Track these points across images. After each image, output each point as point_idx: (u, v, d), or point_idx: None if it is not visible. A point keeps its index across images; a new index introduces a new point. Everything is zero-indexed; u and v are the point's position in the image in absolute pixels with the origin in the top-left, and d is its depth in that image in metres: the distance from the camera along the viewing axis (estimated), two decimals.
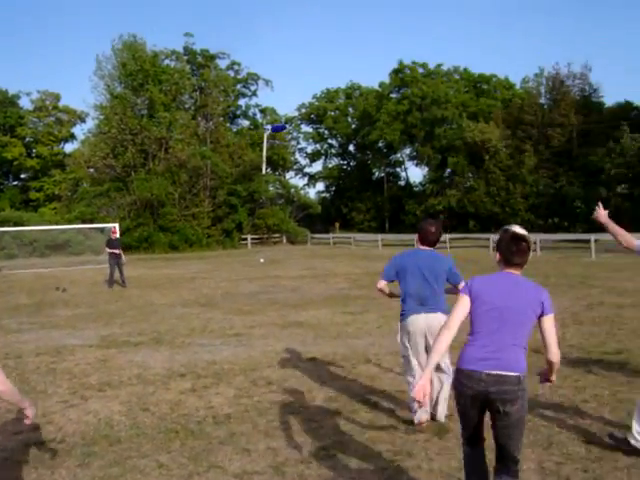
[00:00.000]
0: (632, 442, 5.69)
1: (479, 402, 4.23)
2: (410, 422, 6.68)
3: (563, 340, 10.40)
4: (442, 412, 6.77)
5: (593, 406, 7.01)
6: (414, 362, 6.71)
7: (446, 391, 6.66)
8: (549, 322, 4.24)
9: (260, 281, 23.63)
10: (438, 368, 6.46)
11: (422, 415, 6.53)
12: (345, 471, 5.50)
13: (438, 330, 4.51)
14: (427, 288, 6.78)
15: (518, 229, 4.49)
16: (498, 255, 4.49)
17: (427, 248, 7.02)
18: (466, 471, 4.56)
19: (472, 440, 4.47)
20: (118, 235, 25.39)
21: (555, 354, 4.26)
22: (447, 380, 6.55)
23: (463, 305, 4.33)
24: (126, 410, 7.54)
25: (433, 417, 6.73)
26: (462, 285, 5.39)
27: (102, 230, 42.07)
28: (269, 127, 42.35)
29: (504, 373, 4.12)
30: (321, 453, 5.93)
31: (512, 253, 4.39)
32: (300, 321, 14.02)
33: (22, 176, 74.53)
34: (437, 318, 6.44)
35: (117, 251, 23.09)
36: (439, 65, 76.40)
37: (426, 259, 6.91)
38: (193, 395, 8.12)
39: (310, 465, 5.65)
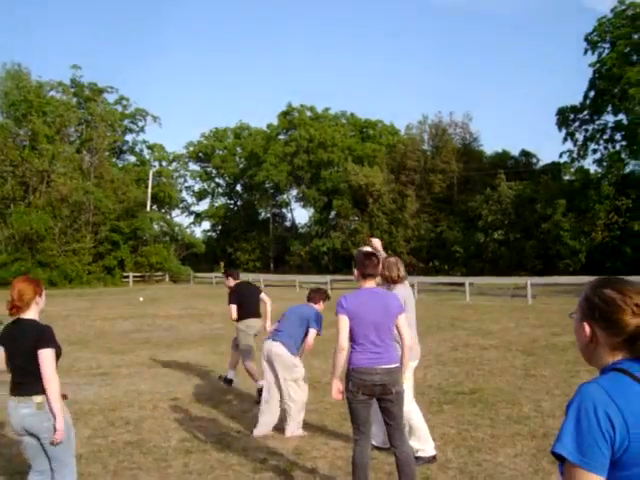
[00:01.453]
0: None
1: None
2: (260, 461, 6.84)
3: (424, 380, 10.78)
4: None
5: (439, 444, 7.30)
6: None
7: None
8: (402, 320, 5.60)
9: (136, 319, 23.39)
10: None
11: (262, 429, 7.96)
12: None
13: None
14: None
15: (368, 248, 6.22)
16: (356, 272, 5.67)
17: None
18: None
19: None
20: None
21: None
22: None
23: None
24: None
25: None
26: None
27: None
28: None
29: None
30: None
31: (366, 266, 5.58)
32: (169, 361, 14.00)
33: None
34: None
35: None
36: (327, 109, 77.66)
37: None
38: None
39: None
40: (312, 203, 73.46)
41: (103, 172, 57.83)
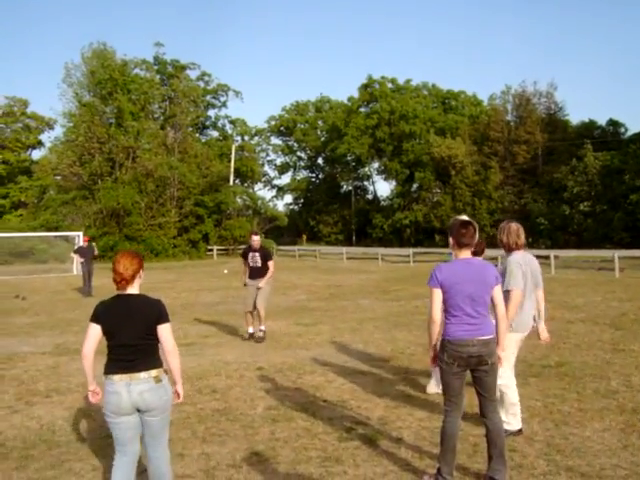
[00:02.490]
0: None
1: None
2: (345, 430, 6.90)
3: None
4: None
5: (524, 417, 7.23)
6: None
7: None
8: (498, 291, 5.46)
9: (221, 292, 23.75)
10: None
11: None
12: (273, 475, 5.70)
13: None
14: None
15: (465, 217, 5.74)
16: (451, 240, 5.50)
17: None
18: None
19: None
20: (87, 243, 25.25)
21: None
22: None
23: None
24: (69, 416, 7.70)
25: None
26: None
27: (67, 238, 41.94)
28: None
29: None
30: (253, 458, 6.13)
31: (462, 235, 5.40)
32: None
33: None
34: None
35: (82, 259, 23.26)
36: (408, 80, 77.10)
37: None
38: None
39: (240, 470, 5.85)
40: (394, 176, 73.19)
41: (187, 147, 58.74)
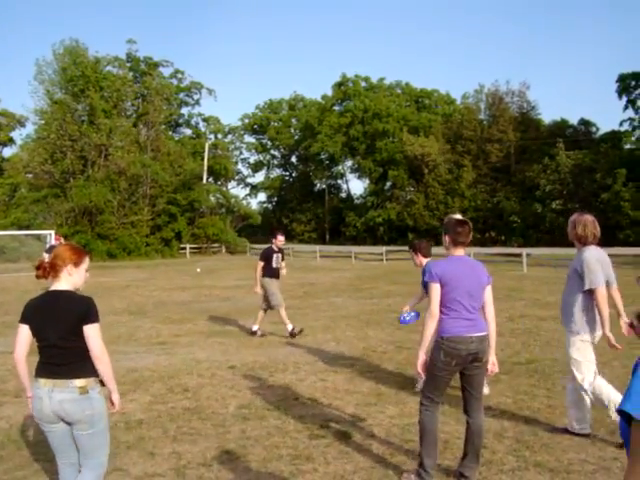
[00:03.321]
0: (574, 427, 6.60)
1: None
2: (317, 428, 6.93)
3: None
4: None
5: (495, 414, 7.30)
6: None
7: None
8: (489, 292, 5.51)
9: (194, 290, 23.70)
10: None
11: None
12: (243, 473, 5.71)
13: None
14: None
15: (459, 215, 5.87)
16: (447, 238, 5.49)
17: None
18: None
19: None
20: (62, 241, 24.87)
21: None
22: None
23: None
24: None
25: None
26: None
27: (38, 237, 41.62)
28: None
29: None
30: (223, 457, 6.13)
31: (459, 233, 5.41)
32: (226, 330, 14.22)
33: None
34: None
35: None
36: (381, 79, 77.35)
37: None
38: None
39: (211, 468, 5.86)
40: (367, 174, 73.39)
41: (160, 145, 58.49)
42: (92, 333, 4.32)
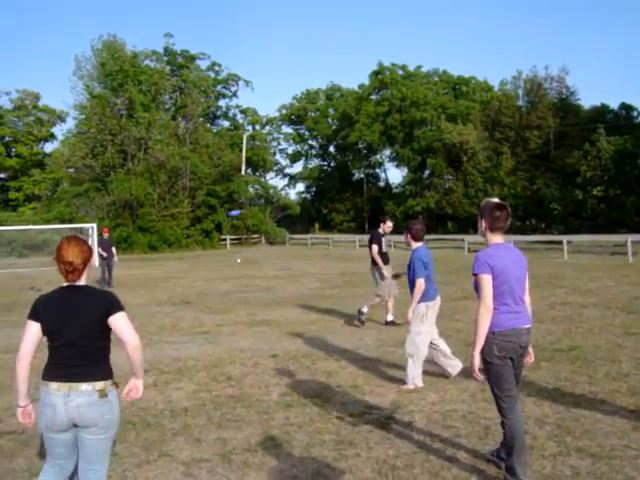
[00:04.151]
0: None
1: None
2: (358, 414, 7.02)
3: None
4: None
5: (536, 400, 7.32)
6: None
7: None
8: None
9: (235, 281, 23.91)
10: None
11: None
12: (287, 458, 5.82)
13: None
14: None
15: (496, 199, 5.31)
16: (484, 223, 5.18)
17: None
18: None
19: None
20: (107, 235, 24.99)
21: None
22: None
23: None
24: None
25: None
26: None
27: (80, 230, 42.15)
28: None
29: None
30: (267, 442, 6.25)
31: (497, 218, 5.10)
32: (268, 320, 14.32)
33: (1, 176, 74.24)
34: None
35: (105, 253, 23.26)
36: (419, 67, 76.76)
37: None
38: (154, 390, 8.40)
39: (255, 453, 5.98)
40: (406, 162, 73.00)
41: (198, 138, 58.81)
42: (121, 321, 4.12)
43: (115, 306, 4.12)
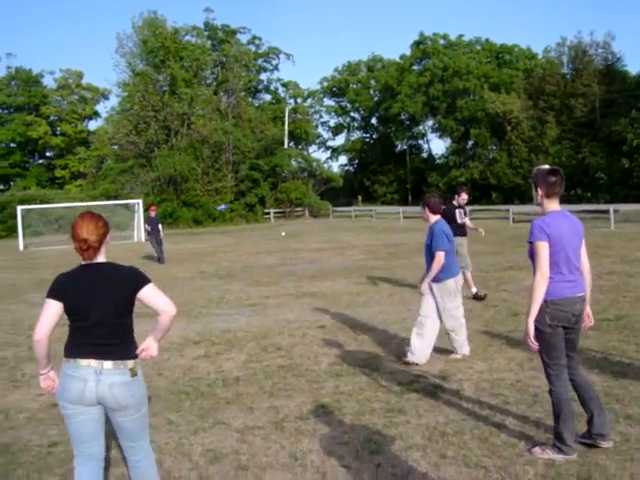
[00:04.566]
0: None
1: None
2: (407, 383, 7.11)
3: None
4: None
5: (584, 369, 7.33)
6: None
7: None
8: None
9: (280, 254, 24.10)
10: None
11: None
12: (339, 425, 5.94)
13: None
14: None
15: (546, 166, 5.26)
16: (539, 191, 5.08)
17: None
18: None
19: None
20: (154, 212, 25.15)
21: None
22: None
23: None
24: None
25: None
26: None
27: (127, 206, 42.72)
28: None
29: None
30: (319, 411, 6.38)
31: (552, 184, 5.03)
32: (314, 291, 14.45)
33: (47, 154, 75.38)
34: None
35: (150, 228, 23.50)
36: (460, 36, 76.05)
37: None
38: (206, 361, 8.60)
39: (307, 421, 6.11)
40: (449, 133, 72.57)
41: (240, 112, 59.00)
42: (152, 291, 4.00)
43: (143, 279, 4.02)
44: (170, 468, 5.16)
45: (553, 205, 5.08)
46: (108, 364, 3.85)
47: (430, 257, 8.10)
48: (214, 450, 5.52)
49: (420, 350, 7.89)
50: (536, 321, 4.91)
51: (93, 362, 3.83)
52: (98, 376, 3.82)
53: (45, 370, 4.10)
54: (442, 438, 5.50)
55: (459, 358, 8.11)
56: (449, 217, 11.89)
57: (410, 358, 7.92)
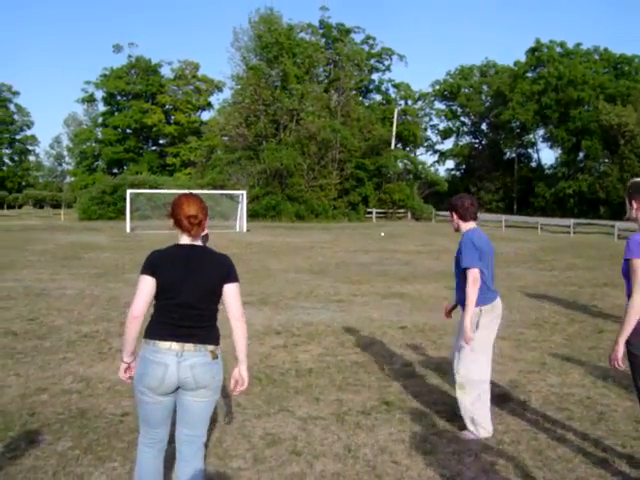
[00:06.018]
0: None
1: None
2: None
3: None
4: None
5: None
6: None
7: None
8: None
9: (376, 253, 24.22)
10: None
11: None
12: (398, 424, 6.06)
13: None
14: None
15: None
16: (635, 204, 4.66)
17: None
18: None
19: None
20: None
21: None
22: None
23: None
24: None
25: None
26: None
27: (231, 197, 43.62)
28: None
29: None
30: (382, 407, 6.51)
31: None
32: (402, 292, 14.54)
33: (160, 142, 77.64)
34: None
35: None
36: (578, 44, 74.35)
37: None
38: (283, 350, 8.84)
39: (368, 416, 6.25)
40: (559, 143, 71.15)
41: (349, 111, 59.28)
42: (234, 292, 3.98)
43: (233, 274, 3.98)
44: (228, 447, 5.39)
45: None
46: (189, 346, 3.82)
47: (459, 278, 6.00)
48: (273, 434, 5.72)
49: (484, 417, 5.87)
50: (630, 343, 4.42)
51: (174, 345, 3.80)
52: (179, 359, 3.78)
53: (129, 359, 4.05)
54: (497, 446, 5.55)
55: (472, 438, 5.77)
56: None
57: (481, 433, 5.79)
